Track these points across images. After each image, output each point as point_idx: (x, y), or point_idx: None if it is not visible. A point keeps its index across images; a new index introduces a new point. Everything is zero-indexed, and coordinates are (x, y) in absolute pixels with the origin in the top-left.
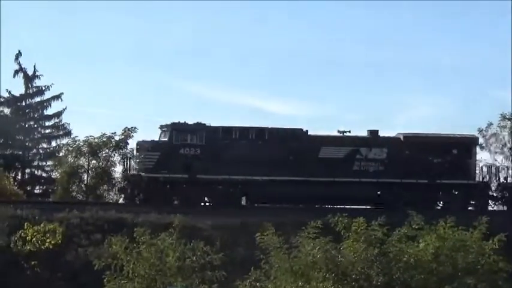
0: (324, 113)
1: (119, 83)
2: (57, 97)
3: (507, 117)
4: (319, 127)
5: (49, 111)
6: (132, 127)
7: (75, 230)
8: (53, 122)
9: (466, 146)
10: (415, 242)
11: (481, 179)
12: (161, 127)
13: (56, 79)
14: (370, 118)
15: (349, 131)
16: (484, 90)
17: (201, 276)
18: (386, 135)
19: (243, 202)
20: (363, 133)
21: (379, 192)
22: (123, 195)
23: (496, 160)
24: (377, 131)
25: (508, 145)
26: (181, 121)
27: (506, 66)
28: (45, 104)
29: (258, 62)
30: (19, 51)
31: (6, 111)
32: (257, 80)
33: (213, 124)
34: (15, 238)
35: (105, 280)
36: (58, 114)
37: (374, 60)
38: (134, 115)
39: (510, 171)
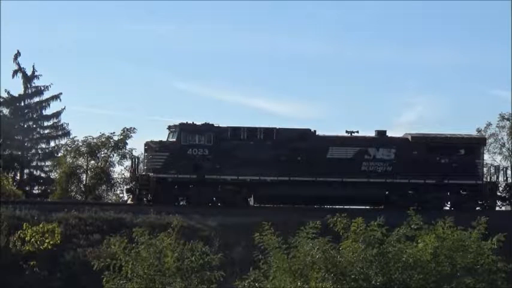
0: (328, 114)
1: (120, 84)
2: (56, 97)
3: (506, 117)
4: (323, 128)
5: (48, 112)
6: (131, 127)
7: (74, 230)
8: (52, 122)
9: (473, 146)
10: (414, 242)
11: (488, 179)
12: (169, 127)
13: (55, 79)
14: (370, 118)
15: (357, 131)
16: (484, 90)
17: (200, 276)
18: (394, 135)
19: (251, 202)
20: (371, 133)
21: (387, 192)
22: (131, 196)
23: (494, 160)
24: (385, 131)
25: (507, 145)
26: (190, 122)
27: (506, 66)
28: (43, 104)
29: (261, 64)
30: (18, 51)
31: (5, 111)
32: (262, 81)
33: (221, 125)
34: (14, 238)
35: (103, 280)
36: (57, 115)
37: (372, 60)
38: (135, 116)
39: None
